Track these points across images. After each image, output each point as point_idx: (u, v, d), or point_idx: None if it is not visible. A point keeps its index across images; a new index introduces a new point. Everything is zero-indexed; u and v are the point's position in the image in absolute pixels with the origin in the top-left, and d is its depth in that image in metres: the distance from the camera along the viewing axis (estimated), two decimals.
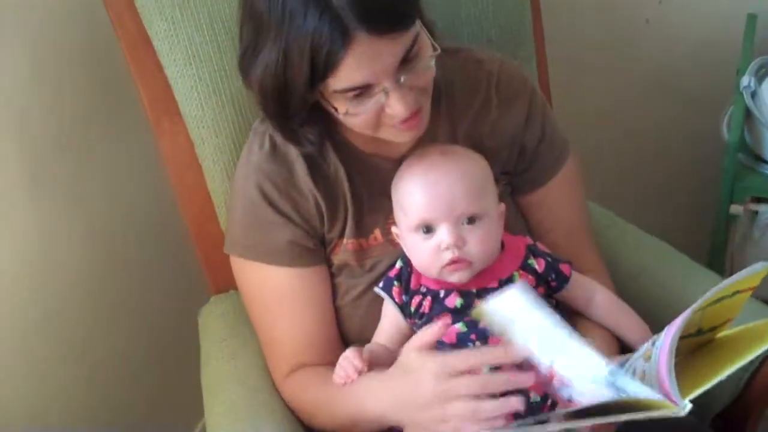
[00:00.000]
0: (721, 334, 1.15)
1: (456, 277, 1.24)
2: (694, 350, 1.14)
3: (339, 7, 1.07)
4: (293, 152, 1.29)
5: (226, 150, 1.43)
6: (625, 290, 1.42)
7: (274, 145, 1.30)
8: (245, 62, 1.20)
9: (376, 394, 1.20)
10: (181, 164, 1.47)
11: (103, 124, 1.61)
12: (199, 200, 1.48)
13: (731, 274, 1.79)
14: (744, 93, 1.75)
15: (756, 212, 1.76)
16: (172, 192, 1.50)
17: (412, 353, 1.17)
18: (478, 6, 1.53)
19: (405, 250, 1.29)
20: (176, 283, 1.79)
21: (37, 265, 1.52)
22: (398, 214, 1.27)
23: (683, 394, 1.00)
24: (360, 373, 1.20)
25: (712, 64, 2.03)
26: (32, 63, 1.46)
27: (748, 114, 1.76)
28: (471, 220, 1.22)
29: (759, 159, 1.79)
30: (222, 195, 1.45)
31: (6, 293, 1.47)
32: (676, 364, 1.02)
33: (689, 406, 0.99)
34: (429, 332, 1.17)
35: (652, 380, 1.04)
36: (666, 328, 1.05)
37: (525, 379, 1.09)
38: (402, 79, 1.15)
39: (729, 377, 1.32)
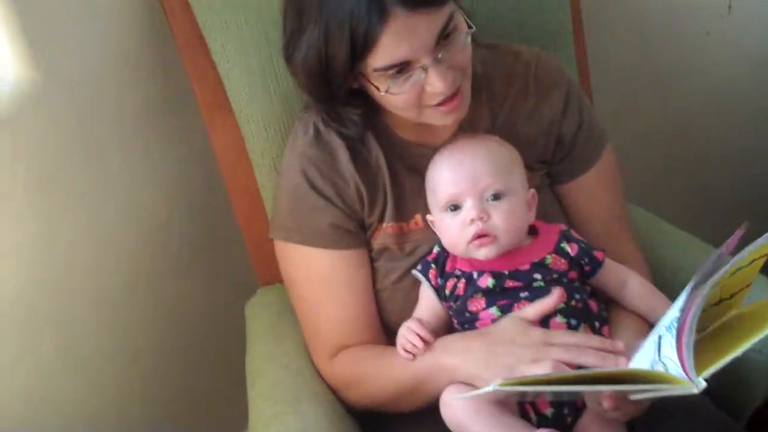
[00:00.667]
0: (734, 312, 1.15)
1: (482, 253, 1.26)
2: (714, 330, 1.13)
3: None
4: (336, 139, 1.34)
5: (274, 144, 1.48)
6: (666, 288, 1.40)
7: (317, 132, 1.35)
8: (290, 47, 1.26)
9: (456, 347, 1.24)
10: (232, 159, 1.52)
11: (160, 120, 1.66)
12: (249, 195, 1.53)
13: None
14: None
15: None
16: (223, 186, 1.55)
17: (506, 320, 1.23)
18: (518, 6, 1.57)
19: (438, 233, 1.32)
20: (226, 276, 1.83)
21: (93, 254, 1.56)
22: (429, 198, 1.31)
23: (698, 372, 1.00)
24: (427, 343, 1.24)
25: None
26: (89, 62, 1.50)
27: None
28: (496, 196, 1.25)
29: None
30: (270, 189, 1.49)
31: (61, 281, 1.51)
32: (695, 341, 1.02)
33: (703, 384, 0.99)
34: (537, 307, 1.23)
35: (672, 356, 1.03)
36: (684, 302, 1.04)
37: (620, 362, 1.14)
38: (440, 55, 1.19)
39: (762, 374, 1.34)
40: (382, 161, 1.35)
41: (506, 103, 1.39)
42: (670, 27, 2.03)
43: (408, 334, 1.25)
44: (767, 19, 1.99)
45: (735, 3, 1.98)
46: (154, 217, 1.67)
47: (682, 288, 1.41)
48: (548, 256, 1.28)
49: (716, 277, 1.04)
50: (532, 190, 1.32)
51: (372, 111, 1.33)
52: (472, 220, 1.24)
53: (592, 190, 1.44)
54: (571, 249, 1.30)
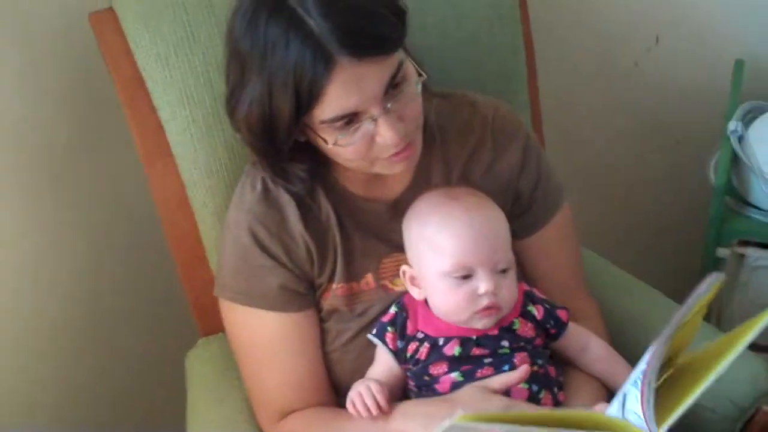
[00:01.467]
0: (682, 359, 1.15)
1: (483, 323, 1.24)
2: (666, 382, 1.13)
3: (320, 33, 1.08)
4: (285, 196, 1.29)
5: (217, 193, 1.43)
6: (615, 337, 1.41)
7: (266, 188, 1.29)
8: (232, 101, 1.20)
9: (417, 412, 1.21)
10: (172, 206, 1.46)
11: (94, 160, 1.62)
12: (189, 243, 1.47)
13: (719, 317, 1.81)
14: (731, 137, 1.78)
15: (743, 255, 1.77)
16: (162, 233, 1.49)
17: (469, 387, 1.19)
18: (471, 51, 1.53)
19: (417, 294, 1.27)
20: (164, 325, 1.78)
21: (22, 297, 1.53)
22: (425, 255, 1.25)
23: (659, 426, 1.01)
24: (383, 412, 1.20)
25: (700, 108, 2.05)
26: (24, 99, 1.48)
27: (735, 158, 1.79)
28: (504, 269, 1.23)
29: (745, 203, 1.81)
30: (213, 238, 1.44)
31: None
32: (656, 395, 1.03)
33: None
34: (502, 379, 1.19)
35: (637, 409, 1.04)
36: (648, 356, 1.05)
37: None
38: (390, 105, 1.14)
39: (719, 427, 1.35)
40: (333, 219, 1.30)
41: (461, 156, 1.35)
42: (599, 59, 2.06)
43: (365, 393, 1.21)
44: (694, 50, 2.03)
45: (662, 34, 2.01)
46: (85, 257, 1.63)
47: (629, 336, 1.44)
48: (516, 320, 1.26)
49: (669, 329, 1.04)
50: None
51: (320, 165, 1.28)
52: (486, 293, 1.21)
53: (549, 245, 1.42)
54: (537, 312, 1.28)
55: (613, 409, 1.09)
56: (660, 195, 2.20)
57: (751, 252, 1.76)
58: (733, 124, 1.78)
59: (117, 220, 1.68)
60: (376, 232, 1.32)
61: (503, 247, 1.23)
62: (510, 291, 1.24)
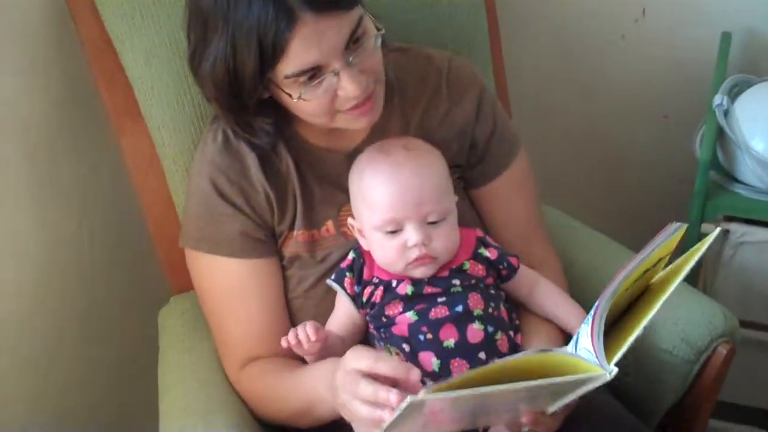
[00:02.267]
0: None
1: (420, 272, 1.26)
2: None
3: None
4: (245, 147, 1.32)
5: (186, 151, 1.45)
6: (579, 289, 1.43)
7: (226, 139, 1.32)
8: (195, 58, 1.23)
9: (323, 380, 1.20)
10: (142, 165, 1.49)
11: (67, 125, 1.63)
12: (160, 201, 1.50)
13: (705, 294, 1.80)
14: (716, 111, 1.75)
15: (727, 231, 1.74)
16: (134, 193, 1.52)
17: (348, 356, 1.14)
18: (431, 11, 1.56)
19: (365, 244, 1.30)
20: (138, 284, 1.80)
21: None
22: (361, 209, 1.28)
23: (609, 359, 1.03)
24: (308, 345, 1.19)
25: (687, 82, 2.04)
26: None
27: (720, 132, 1.76)
28: (436, 220, 1.25)
29: (731, 178, 1.79)
30: (182, 196, 1.46)
31: None
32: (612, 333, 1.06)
33: (615, 369, 1.01)
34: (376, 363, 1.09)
35: (588, 344, 1.06)
36: (597, 301, 1.07)
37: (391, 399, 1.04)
38: (351, 59, 1.18)
39: (673, 375, 1.38)
40: (292, 168, 1.34)
41: (419, 108, 1.38)
42: (586, 31, 2.05)
43: (300, 330, 1.19)
44: (680, 23, 2.01)
45: (649, 7, 2.00)
46: (62, 224, 1.64)
47: (593, 288, 1.45)
48: (466, 262, 1.28)
49: (626, 271, 1.07)
50: (456, 197, 1.31)
51: (283, 119, 1.32)
52: (415, 245, 1.23)
53: (505, 194, 1.44)
54: (490, 254, 1.31)
55: (568, 349, 1.11)
56: (646, 169, 2.19)
57: (736, 227, 1.73)
58: (718, 98, 1.75)
59: (91, 181, 1.69)
60: (335, 181, 1.35)
61: (433, 199, 1.24)
62: (444, 240, 1.25)
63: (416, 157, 1.27)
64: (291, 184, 1.34)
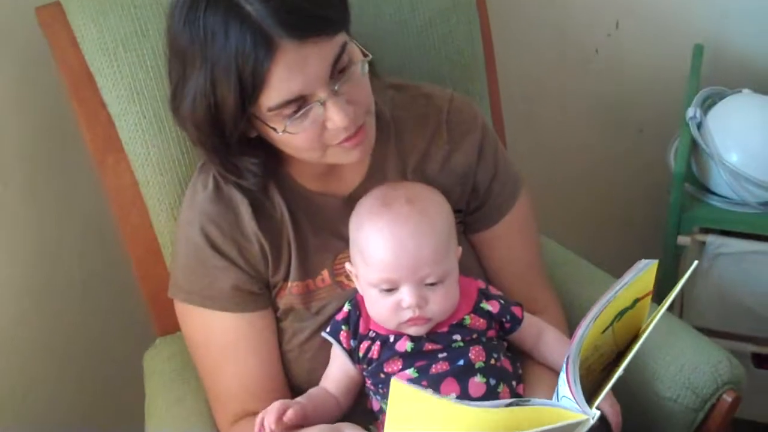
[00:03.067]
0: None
1: (413, 331, 1.23)
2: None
3: (259, 17, 1.06)
4: (237, 194, 1.27)
5: (171, 190, 1.41)
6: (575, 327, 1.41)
7: (217, 186, 1.27)
8: (176, 98, 1.18)
9: None
10: (125, 203, 1.43)
11: (48, 161, 1.59)
12: (144, 240, 1.45)
13: (681, 307, 1.81)
14: (690, 124, 1.76)
15: (704, 243, 1.76)
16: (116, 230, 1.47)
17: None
18: (428, 41, 1.51)
19: (362, 294, 1.26)
20: (121, 324, 1.76)
21: None
22: (357, 260, 1.24)
23: (591, 404, 1.01)
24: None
25: (661, 94, 2.04)
26: None
27: (694, 145, 1.77)
28: (434, 282, 1.21)
29: (706, 190, 1.80)
30: (167, 235, 1.42)
31: None
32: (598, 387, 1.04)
33: (597, 413, 1.00)
34: None
35: (566, 392, 1.05)
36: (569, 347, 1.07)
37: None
38: (337, 87, 1.13)
39: (677, 424, 1.37)
40: (286, 215, 1.28)
41: (418, 149, 1.33)
42: (560, 46, 2.04)
43: (265, 416, 1.17)
44: (653, 35, 2.01)
45: (622, 20, 2.00)
46: (39, 256, 1.60)
47: None
48: (467, 317, 1.25)
49: (592, 313, 1.05)
50: (459, 248, 1.27)
51: (273, 161, 1.26)
52: (409, 307, 1.19)
53: (508, 238, 1.40)
54: (492, 307, 1.27)
55: (552, 400, 1.09)
56: (621, 182, 2.20)
57: (712, 239, 1.75)
58: (691, 111, 1.76)
59: (70, 218, 1.65)
60: (330, 228, 1.30)
61: (431, 261, 1.20)
62: (441, 302, 1.21)
63: (418, 212, 1.22)
64: (285, 232, 1.29)
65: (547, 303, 1.41)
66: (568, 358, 1.05)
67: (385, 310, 1.21)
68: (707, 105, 1.82)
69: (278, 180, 1.29)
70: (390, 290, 1.20)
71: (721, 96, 1.83)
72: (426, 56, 1.52)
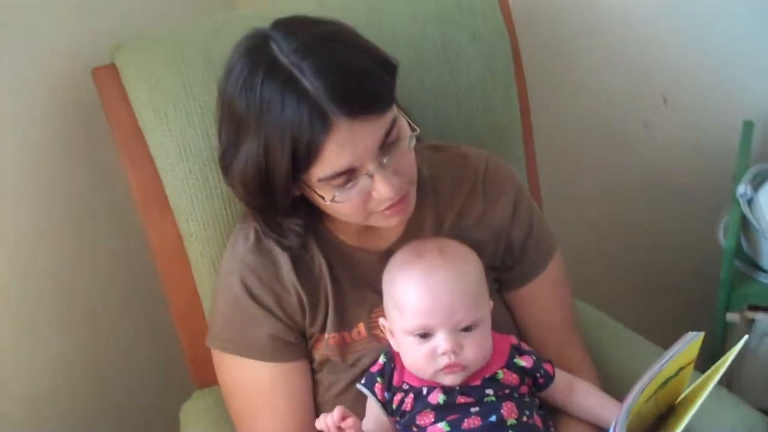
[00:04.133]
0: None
1: (449, 380, 1.23)
2: None
3: (316, 94, 1.09)
4: (277, 247, 1.29)
5: (214, 244, 1.43)
6: (613, 392, 1.38)
7: (258, 239, 1.30)
8: (226, 159, 1.22)
9: None
10: (168, 256, 1.47)
11: (93, 211, 1.63)
12: (185, 293, 1.48)
13: (730, 385, 1.77)
14: (740, 200, 1.73)
15: (753, 320, 1.73)
16: (159, 282, 1.50)
17: None
18: (466, 106, 1.54)
19: (395, 346, 1.27)
20: (160, 376, 1.77)
21: (22, 345, 1.53)
22: (392, 312, 1.26)
23: None
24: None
25: (710, 169, 2.02)
26: (25, 150, 1.50)
27: (744, 221, 1.74)
28: (468, 327, 1.22)
29: (756, 267, 1.77)
30: (208, 289, 1.44)
31: None
32: None
33: None
34: None
35: None
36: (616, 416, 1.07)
37: None
38: (385, 161, 1.16)
39: None
40: (325, 268, 1.31)
41: (454, 208, 1.36)
42: (609, 120, 2.04)
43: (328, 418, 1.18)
44: (702, 111, 2.00)
45: (670, 94, 2.00)
46: (83, 307, 1.63)
47: (624, 388, 1.41)
48: (500, 371, 1.25)
49: (642, 382, 1.06)
50: (491, 302, 1.28)
51: (314, 219, 1.29)
52: (444, 353, 1.20)
53: (541, 296, 1.41)
54: (525, 362, 1.28)
55: None
56: (669, 256, 2.17)
57: (761, 317, 1.72)
58: (742, 188, 1.73)
59: (115, 270, 1.68)
60: (367, 282, 1.32)
61: (465, 306, 1.22)
62: (476, 349, 1.22)
63: (451, 262, 1.24)
64: (323, 285, 1.31)
65: (580, 363, 1.41)
66: (615, 426, 1.05)
67: (421, 357, 1.22)
68: (757, 182, 1.79)
69: (317, 234, 1.32)
70: (425, 336, 1.21)
71: None
72: (464, 123, 1.54)
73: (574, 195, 2.07)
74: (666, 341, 1.56)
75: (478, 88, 1.54)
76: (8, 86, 1.45)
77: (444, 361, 1.21)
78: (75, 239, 1.58)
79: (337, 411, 1.17)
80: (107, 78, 1.44)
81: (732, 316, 1.71)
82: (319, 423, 1.18)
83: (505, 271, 1.39)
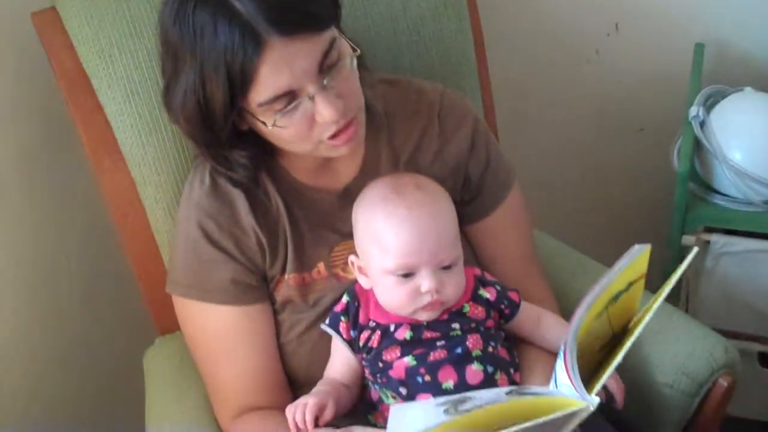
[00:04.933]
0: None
1: (426, 316, 1.23)
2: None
3: (247, 14, 1.07)
4: (234, 189, 1.28)
5: (168, 188, 1.41)
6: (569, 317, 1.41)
7: (214, 182, 1.28)
8: (168, 94, 1.20)
9: None
10: (123, 203, 1.44)
11: (46, 163, 1.60)
12: (142, 239, 1.46)
13: (687, 307, 1.79)
14: (693, 123, 1.75)
15: (708, 242, 1.75)
16: (114, 230, 1.48)
17: None
18: (419, 36, 1.52)
19: (365, 283, 1.26)
20: (121, 323, 1.76)
21: None
22: (370, 250, 1.24)
23: (590, 391, 1.02)
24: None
25: (662, 94, 2.03)
26: None
27: (698, 144, 1.76)
28: (449, 265, 1.22)
29: (710, 189, 1.79)
30: (165, 234, 1.43)
31: None
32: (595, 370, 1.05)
33: (597, 400, 1.01)
34: None
35: (565, 379, 1.05)
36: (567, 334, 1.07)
37: None
38: (326, 82, 1.14)
39: (673, 409, 1.38)
40: (282, 209, 1.30)
41: (409, 143, 1.35)
42: (560, 47, 2.04)
43: (299, 409, 1.18)
44: (654, 36, 2.01)
45: (622, 21, 2.00)
46: (40, 257, 1.61)
47: None
48: (466, 305, 1.26)
49: (589, 298, 1.05)
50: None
51: (266, 153, 1.27)
52: (428, 291, 1.20)
53: (501, 229, 1.41)
54: (489, 294, 1.28)
55: (550, 387, 1.10)
56: (624, 182, 2.19)
57: (717, 238, 1.74)
58: (694, 110, 1.75)
59: (69, 219, 1.66)
60: (326, 221, 1.31)
61: (448, 245, 1.22)
62: (455, 286, 1.23)
63: (432, 200, 1.23)
64: (281, 226, 1.30)
65: (542, 293, 1.41)
66: (565, 345, 1.05)
67: (403, 296, 1.21)
68: (710, 104, 1.80)
69: (273, 174, 1.30)
70: (407, 276, 1.21)
71: (724, 95, 1.81)
72: (417, 53, 1.52)
73: (527, 122, 2.08)
74: None
75: (429, 17, 1.52)
76: None
77: (426, 299, 1.21)
78: (28, 190, 1.56)
79: (312, 407, 1.16)
80: (48, 22, 1.40)
81: (688, 239, 1.73)
82: (289, 413, 1.18)
83: (463, 206, 1.38)
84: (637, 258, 1.11)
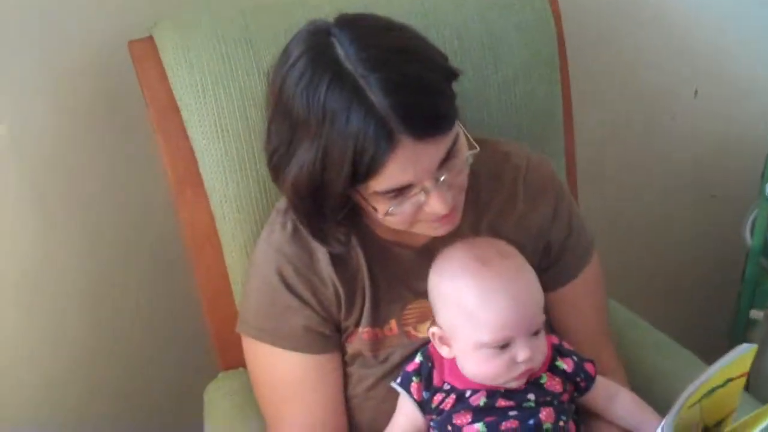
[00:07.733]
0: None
1: (517, 384, 1.22)
2: None
3: (382, 110, 1.06)
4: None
5: (246, 227, 1.41)
6: (640, 393, 1.37)
7: (296, 228, 1.28)
8: (276, 159, 1.19)
9: None
10: (199, 236, 1.44)
11: (122, 188, 1.62)
12: (215, 274, 1.46)
13: (748, 381, 1.76)
14: None
15: None
16: (187, 262, 1.49)
17: None
18: (508, 98, 1.51)
19: (446, 353, 1.24)
20: (184, 356, 1.76)
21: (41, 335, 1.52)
22: (460, 324, 1.21)
23: None
24: None
25: (738, 165, 2.01)
26: (58, 121, 1.50)
27: None
28: (537, 330, 1.21)
29: None
30: (239, 272, 1.42)
31: None
32: None
33: None
34: None
35: None
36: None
37: None
38: (442, 178, 1.14)
39: None
40: (363, 263, 1.29)
41: (493, 206, 1.33)
42: (637, 109, 2.03)
43: None
44: (732, 105, 1.99)
45: (701, 87, 1.99)
46: (109, 287, 1.63)
47: (656, 394, 1.41)
48: (543, 375, 1.24)
49: (688, 391, 1.04)
50: None
51: (356, 218, 1.27)
52: (524, 361, 1.18)
53: (577, 299, 1.39)
54: (566, 365, 1.26)
55: None
56: (694, 251, 2.17)
57: None
58: None
59: (143, 249, 1.67)
60: (402, 278, 1.30)
61: (539, 311, 1.21)
62: (543, 352, 1.22)
63: (518, 267, 1.22)
64: (360, 279, 1.29)
65: (613, 367, 1.39)
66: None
67: (499, 368, 1.19)
68: None
69: (356, 228, 1.29)
70: (503, 347, 1.19)
71: None
72: (506, 112, 1.51)
73: (601, 188, 2.05)
74: (687, 338, 1.56)
75: (521, 77, 1.51)
76: (40, 59, 1.44)
77: (522, 369, 1.19)
78: (106, 215, 1.58)
79: None
80: (144, 51, 1.40)
81: (755, 313, 1.72)
82: None
83: (540, 273, 1.35)
84: (741, 356, 1.10)
